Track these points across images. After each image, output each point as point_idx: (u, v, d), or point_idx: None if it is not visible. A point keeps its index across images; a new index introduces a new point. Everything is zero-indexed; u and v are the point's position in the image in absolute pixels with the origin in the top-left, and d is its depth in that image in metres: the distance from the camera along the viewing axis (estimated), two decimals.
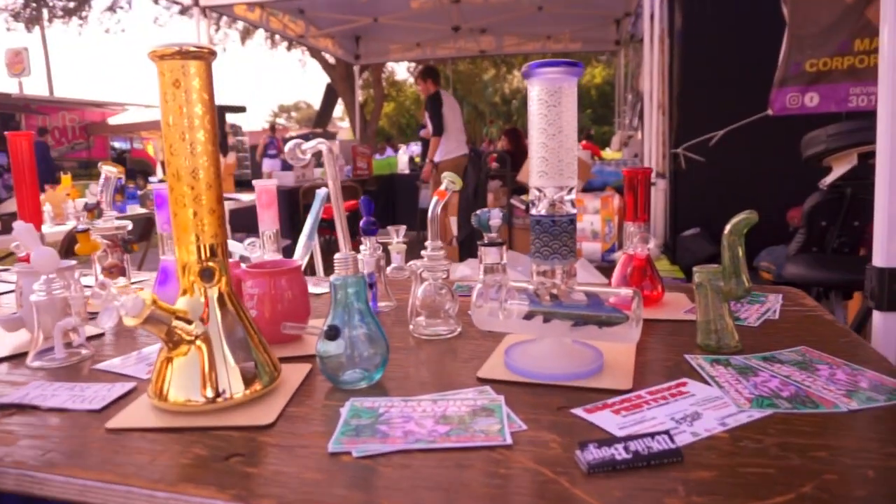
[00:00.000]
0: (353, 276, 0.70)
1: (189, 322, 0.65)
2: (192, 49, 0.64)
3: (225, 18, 4.74)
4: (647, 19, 4.30)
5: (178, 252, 0.67)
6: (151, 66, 0.65)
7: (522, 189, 4.77)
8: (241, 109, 7.44)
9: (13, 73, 15.20)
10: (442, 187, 0.91)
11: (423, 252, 0.91)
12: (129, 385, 0.74)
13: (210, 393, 0.65)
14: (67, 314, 0.84)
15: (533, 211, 0.74)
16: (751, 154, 3.33)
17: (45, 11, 15.48)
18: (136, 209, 3.28)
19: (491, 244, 0.77)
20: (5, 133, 1.23)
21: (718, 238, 0.80)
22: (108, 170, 1.20)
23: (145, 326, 0.62)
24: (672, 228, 3.85)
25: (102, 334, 0.98)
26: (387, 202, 6.71)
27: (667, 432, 0.55)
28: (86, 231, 1.14)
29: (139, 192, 3.38)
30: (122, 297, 0.60)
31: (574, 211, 0.73)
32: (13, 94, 14.20)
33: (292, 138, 0.76)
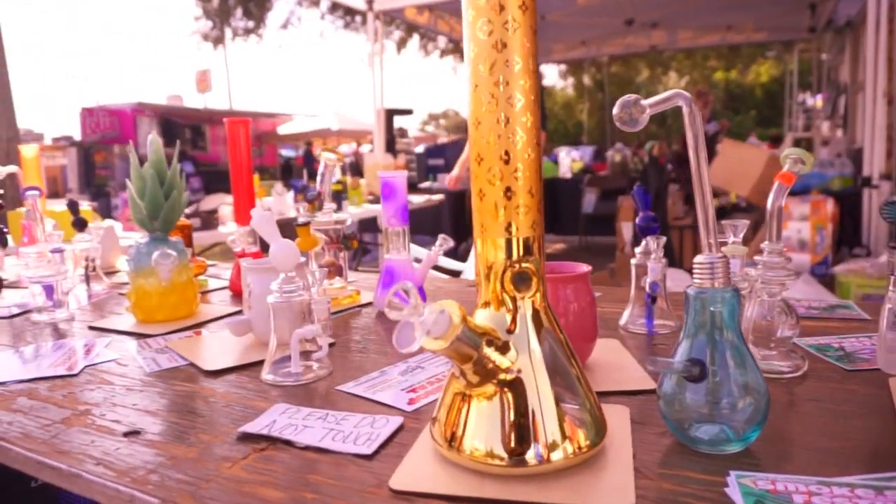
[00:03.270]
0: (722, 288, 0.48)
1: (504, 349, 0.46)
2: None
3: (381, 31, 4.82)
4: None
5: (479, 247, 0.49)
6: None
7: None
8: (409, 112, 7.53)
9: (200, 90, 16.90)
10: (785, 168, 0.66)
11: (756, 258, 0.67)
12: (395, 421, 0.56)
13: (522, 449, 0.46)
14: (307, 320, 0.70)
15: None
16: None
17: (228, 31, 16.98)
18: None
19: None
20: (224, 119, 1.16)
21: None
22: (328, 156, 1.08)
23: (448, 352, 0.44)
24: None
25: (332, 344, 0.84)
26: (548, 206, 6.46)
27: None
28: (306, 224, 1.02)
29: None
30: (423, 309, 0.42)
31: None
32: (201, 109, 15.83)
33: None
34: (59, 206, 1.67)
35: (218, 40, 17.04)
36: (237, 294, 1.19)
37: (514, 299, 0.48)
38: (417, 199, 3.88)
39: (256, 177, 3.30)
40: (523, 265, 0.47)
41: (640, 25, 6.38)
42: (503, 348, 0.46)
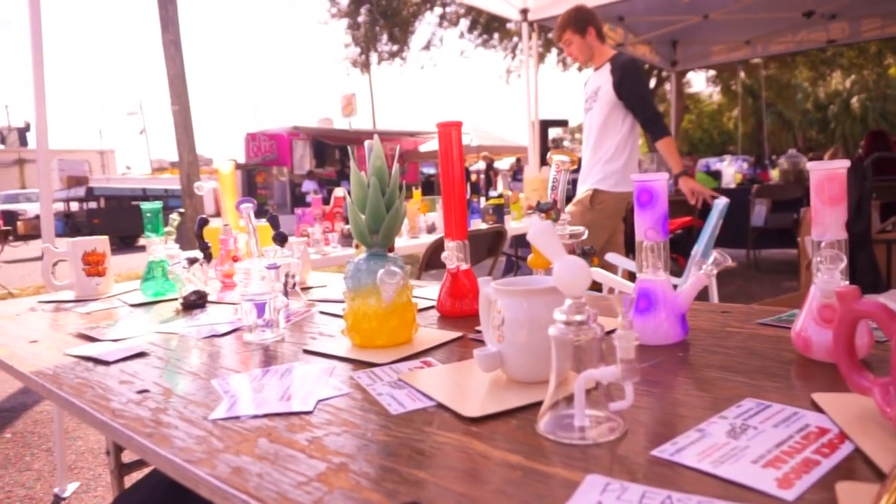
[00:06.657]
0: None
1: None
2: None
3: (521, 48, 4.68)
4: None
5: None
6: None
7: None
8: (564, 123, 7.31)
9: (345, 114, 17.87)
10: None
11: None
12: None
13: None
14: (599, 360, 0.55)
15: None
16: None
17: (374, 56, 17.79)
18: (478, 224, 3.21)
19: None
20: (437, 123, 1.06)
21: None
22: (560, 159, 0.93)
23: None
24: None
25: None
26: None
27: None
28: None
29: (481, 206, 3.31)
30: None
31: None
32: (348, 130, 16.74)
33: None
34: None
35: (365, 66, 17.87)
36: (445, 315, 1.07)
37: None
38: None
39: (418, 192, 3.26)
40: None
41: (818, 17, 5.74)
42: None
